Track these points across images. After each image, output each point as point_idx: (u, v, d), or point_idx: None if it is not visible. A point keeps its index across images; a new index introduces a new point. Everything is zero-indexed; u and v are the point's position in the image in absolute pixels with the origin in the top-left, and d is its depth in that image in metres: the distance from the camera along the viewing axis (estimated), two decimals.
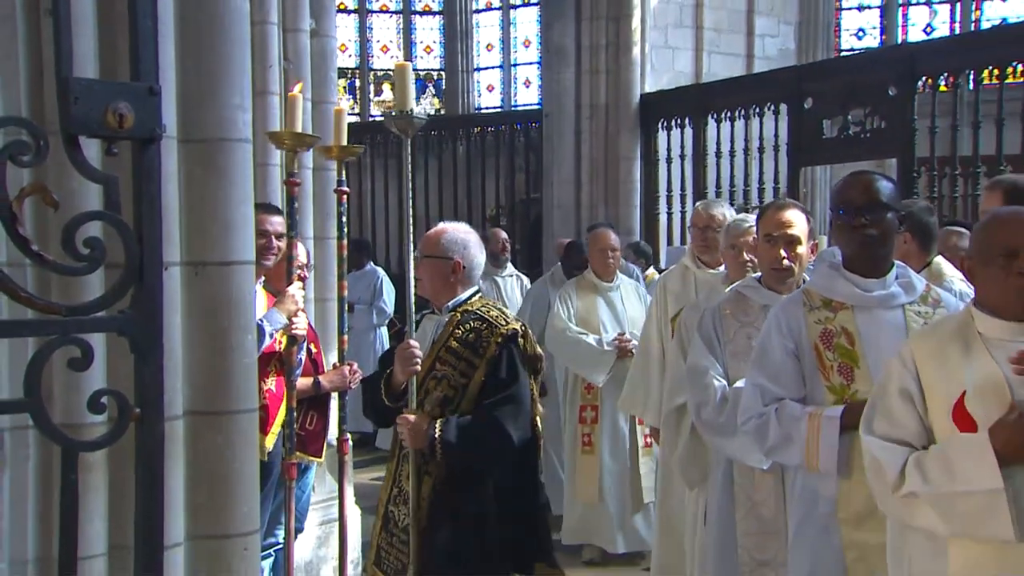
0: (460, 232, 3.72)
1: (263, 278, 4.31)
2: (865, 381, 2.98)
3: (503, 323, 3.53)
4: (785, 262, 3.63)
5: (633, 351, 5.81)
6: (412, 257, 3.73)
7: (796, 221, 3.66)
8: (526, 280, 8.18)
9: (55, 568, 1.98)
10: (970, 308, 2.61)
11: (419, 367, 3.53)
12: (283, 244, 4.39)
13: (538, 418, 3.60)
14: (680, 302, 5.01)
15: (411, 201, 3.68)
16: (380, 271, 10.06)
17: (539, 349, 3.62)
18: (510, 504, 3.51)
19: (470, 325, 3.53)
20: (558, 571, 3.56)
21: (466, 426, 3.44)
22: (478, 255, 3.70)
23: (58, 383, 2.76)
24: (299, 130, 3.79)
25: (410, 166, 3.75)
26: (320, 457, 4.82)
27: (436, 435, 3.41)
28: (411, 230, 3.72)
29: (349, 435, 4.16)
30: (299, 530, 4.81)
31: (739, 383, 3.46)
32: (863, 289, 3.10)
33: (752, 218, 4.29)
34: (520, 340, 3.53)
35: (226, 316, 3.14)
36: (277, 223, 4.38)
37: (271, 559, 4.57)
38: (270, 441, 4.28)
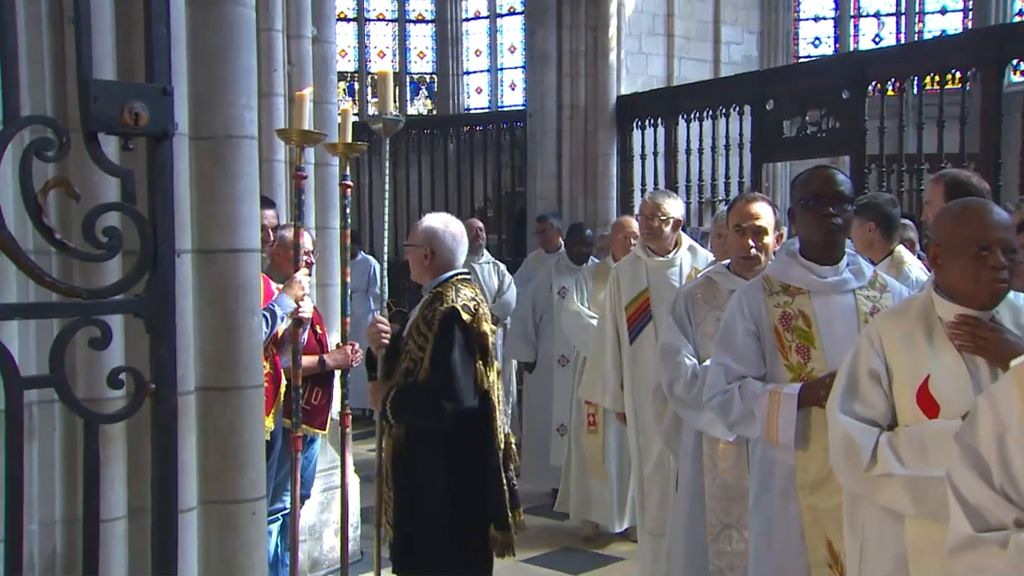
0: (433, 223, 3.77)
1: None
2: (820, 360, 2.98)
3: (448, 302, 3.54)
4: (753, 251, 3.62)
5: None
6: (386, 245, 3.88)
7: (763, 213, 3.65)
8: (503, 267, 8.10)
9: (80, 529, 1.99)
10: (931, 292, 2.55)
11: (386, 341, 3.69)
12: (275, 235, 4.41)
13: (494, 392, 3.59)
14: (632, 290, 4.92)
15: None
16: (372, 259, 10.00)
17: (485, 327, 3.58)
18: (461, 467, 3.54)
19: (432, 305, 3.58)
20: (508, 533, 3.55)
21: (406, 394, 3.55)
22: (450, 242, 3.71)
23: (80, 361, 2.76)
24: (306, 128, 3.81)
25: (389, 164, 3.93)
26: (324, 430, 4.83)
27: (387, 400, 3.54)
28: (385, 222, 3.88)
29: (350, 410, 4.18)
30: (305, 496, 4.82)
31: (708, 362, 3.46)
32: (818, 275, 3.10)
33: None
34: (464, 316, 3.51)
35: (234, 299, 3.13)
36: (270, 215, 4.38)
37: (279, 523, 4.58)
38: (272, 421, 4.27)
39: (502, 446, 3.62)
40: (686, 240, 4.97)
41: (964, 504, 1.80)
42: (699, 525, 3.54)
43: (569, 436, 6.22)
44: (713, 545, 3.45)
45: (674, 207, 4.86)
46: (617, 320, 5.00)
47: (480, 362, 3.54)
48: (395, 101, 14.37)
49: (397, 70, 14.66)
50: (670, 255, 4.85)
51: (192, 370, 3.05)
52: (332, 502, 5.16)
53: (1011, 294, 2.54)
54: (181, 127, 2.92)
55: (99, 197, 2.47)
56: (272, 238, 4.37)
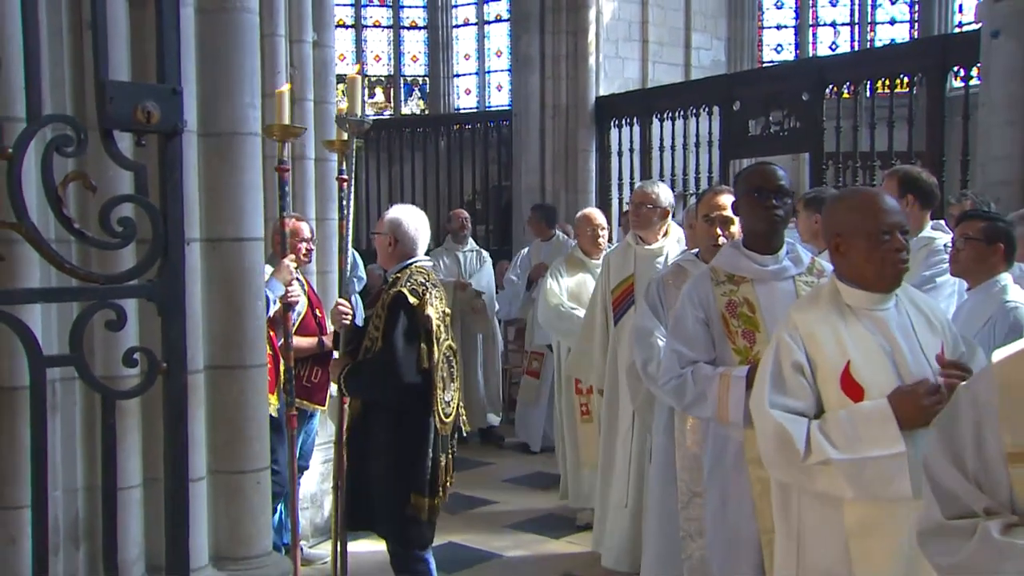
0: (398, 214, 3.78)
1: None
2: (765, 344, 2.90)
3: (398, 287, 3.55)
4: (721, 239, 3.59)
5: None
6: (349, 235, 3.89)
7: (730, 204, 3.57)
8: (486, 254, 8.00)
9: (99, 495, 1.99)
10: (835, 282, 2.48)
11: (347, 322, 3.74)
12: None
13: (438, 371, 3.56)
14: (621, 274, 4.83)
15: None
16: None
17: (431, 311, 3.55)
18: (403, 437, 3.55)
19: (389, 290, 3.59)
20: (428, 499, 3.55)
21: (357, 370, 3.59)
22: (412, 232, 3.72)
23: (98, 341, 2.76)
24: (287, 123, 3.81)
25: (355, 161, 3.91)
26: (323, 405, 4.82)
27: (341, 374, 3.61)
28: (351, 213, 3.91)
29: None
30: (304, 467, 4.82)
31: None
32: (760, 264, 3.07)
33: None
34: (411, 299, 3.51)
35: (239, 284, 3.13)
36: None
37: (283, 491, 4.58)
38: (276, 399, 4.25)
39: (447, 418, 3.61)
40: (676, 231, 4.84)
41: (937, 490, 1.72)
42: (671, 494, 3.54)
43: (561, 428, 5.85)
44: (683, 512, 3.45)
45: (663, 196, 4.75)
46: (605, 303, 4.93)
47: (424, 343, 3.53)
48: (390, 102, 14.39)
49: (392, 73, 14.62)
50: (658, 244, 4.75)
51: (201, 350, 3.05)
52: (332, 472, 5.15)
53: (904, 285, 2.48)
54: (190, 124, 2.92)
55: (114, 190, 2.47)
56: None
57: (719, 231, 3.62)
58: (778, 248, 3.11)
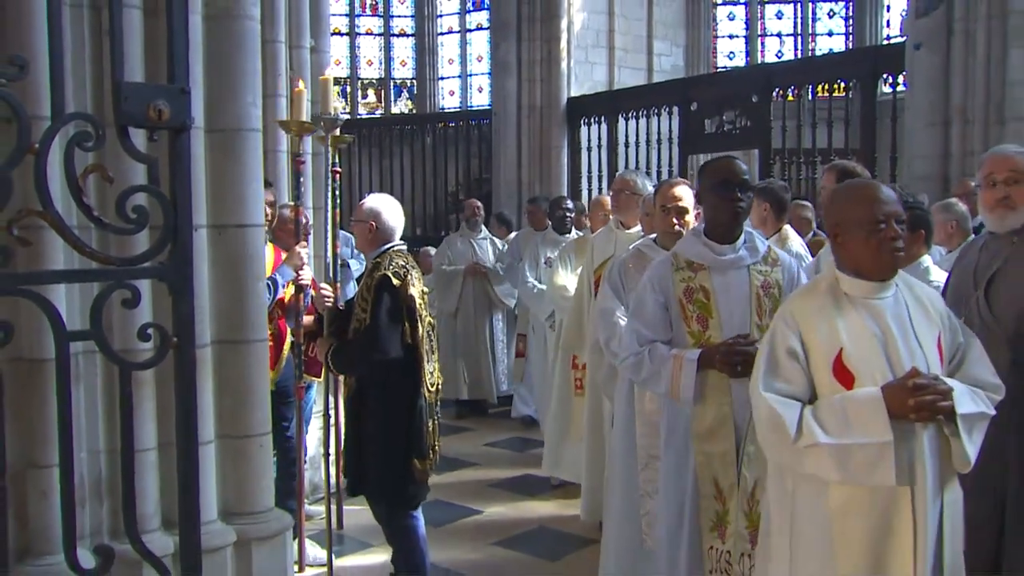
0: (375, 202, 3.71)
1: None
2: (717, 329, 2.92)
3: (382, 270, 3.51)
4: (676, 227, 3.55)
5: None
6: (330, 224, 3.88)
7: (684, 195, 3.59)
8: (499, 242, 7.76)
9: (119, 457, 1.99)
10: (835, 271, 2.34)
11: (330, 304, 3.73)
12: (273, 210, 4.35)
13: (423, 346, 3.54)
14: (602, 256, 4.76)
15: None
16: (347, 234, 9.71)
17: (413, 291, 3.51)
18: (395, 408, 3.54)
19: (372, 273, 3.55)
20: (427, 461, 3.55)
21: (344, 348, 3.58)
22: (390, 220, 3.65)
23: (115, 318, 2.75)
24: (303, 119, 3.79)
25: (334, 155, 3.94)
26: (320, 377, 4.82)
27: (328, 353, 3.59)
28: (332, 204, 3.94)
29: None
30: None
31: None
32: (718, 254, 3.03)
33: None
34: (394, 281, 3.47)
35: (242, 267, 3.13)
36: (267, 193, 4.32)
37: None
38: (275, 375, 4.22)
39: (432, 388, 3.60)
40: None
41: None
42: (631, 457, 3.56)
43: (553, 398, 5.48)
44: (642, 473, 3.45)
45: (642, 185, 4.67)
46: (590, 281, 4.83)
47: (407, 321, 3.50)
48: (381, 102, 14.28)
49: (383, 76, 14.56)
50: (636, 228, 4.66)
51: (208, 326, 3.05)
52: (328, 437, 5.16)
53: (903, 275, 2.37)
54: (197, 121, 2.91)
55: (129, 181, 2.46)
56: (270, 213, 4.31)
57: (675, 220, 3.62)
58: (737, 238, 3.05)
